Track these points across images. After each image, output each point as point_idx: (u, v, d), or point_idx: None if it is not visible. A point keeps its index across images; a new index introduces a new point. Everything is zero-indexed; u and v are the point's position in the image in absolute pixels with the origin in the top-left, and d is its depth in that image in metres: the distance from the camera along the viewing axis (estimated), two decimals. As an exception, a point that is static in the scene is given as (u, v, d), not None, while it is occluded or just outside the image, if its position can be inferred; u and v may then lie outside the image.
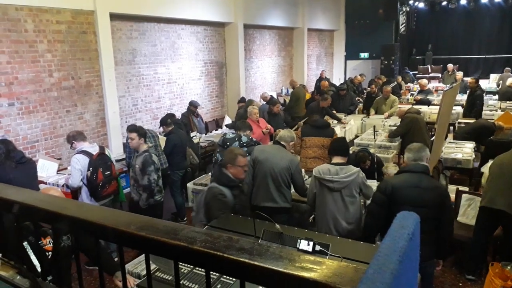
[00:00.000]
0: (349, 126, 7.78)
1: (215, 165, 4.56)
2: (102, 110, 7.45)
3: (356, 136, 7.45)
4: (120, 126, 7.64)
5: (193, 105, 8.16)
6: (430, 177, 3.23)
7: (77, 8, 6.80)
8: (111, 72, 7.41)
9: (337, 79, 16.69)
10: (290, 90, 11.11)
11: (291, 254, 0.92)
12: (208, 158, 7.17)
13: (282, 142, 4.19)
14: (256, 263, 0.87)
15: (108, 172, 4.65)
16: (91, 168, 4.39)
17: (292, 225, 3.52)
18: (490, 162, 4.42)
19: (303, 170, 4.78)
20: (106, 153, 4.69)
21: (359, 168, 3.73)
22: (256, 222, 3.13)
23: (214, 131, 8.78)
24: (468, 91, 9.78)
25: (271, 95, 10.06)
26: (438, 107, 6.54)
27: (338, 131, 7.36)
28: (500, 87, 11.95)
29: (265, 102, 9.28)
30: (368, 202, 3.64)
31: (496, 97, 10.74)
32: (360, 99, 10.92)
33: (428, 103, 9.66)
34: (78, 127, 6.78)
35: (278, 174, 3.93)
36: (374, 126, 6.93)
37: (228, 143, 4.43)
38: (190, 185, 6.17)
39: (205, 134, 8.28)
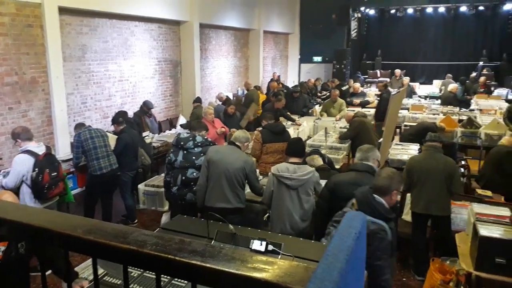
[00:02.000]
0: (302, 128, 7.94)
1: (169, 165, 4.48)
2: (49, 107, 7.09)
3: (309, 137, 7.62)
4: (67, 125, 7.31)
5: (146, 106, 7.95)
6: (372, 176, 3.31)
7: (23, 0, 6.42)
8: (59, 68, 7.07)
9: (292, 82, 16.96)
10: (246, 92, 11.17)
11: (243, 255, 0.92)
12: (161, 158, 7.03)
13: (237, 143, 4.20)
14: (208, 265, 0.87)
15: (55, 173, 4.45)
16: (36, 169, 4.17)
17: (246, 226, 3.54)
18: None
19: (257, 171, 4.82)
20: (53, 153, 4.48)
21: (314, 168, 3.87)
22: (209, 223, 3.11)
23: (167, 131, 8.62)
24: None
25: (227, 96, 10.07)
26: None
27: (292, 132, 7.50)
28: (442, 92, 12.65)
29: (221, 103, 9.27)
30: None
31: (439, 101, 11.36)
32: (313, 102, 11.19)
33: (367, 103, 10.44)
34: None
35: (232, 174, 3.94)
36: (325, 128, 7.12)
37: (182, 143, 4.37)
38: (141, 186, 6.03)
39: (158, 134, 8.12)
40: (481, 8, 16.29)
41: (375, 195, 2.71)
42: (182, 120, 9.34)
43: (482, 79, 13.29)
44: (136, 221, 5.73)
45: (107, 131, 5.85)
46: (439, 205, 4.18)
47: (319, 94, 13.36)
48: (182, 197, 4.35)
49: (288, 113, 8.51)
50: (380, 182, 2.76)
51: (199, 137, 4.44)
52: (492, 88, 13.77)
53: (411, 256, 4.52)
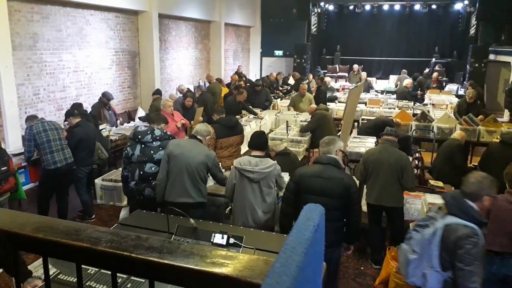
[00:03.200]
0: (264, 121, 7.98)
1: (126, 159, 4.35)
2: (-3, 99, 6.70)
3: (271, 131, 7.67)
4: (18, 117, 6.95)
5: (106, 97, 7.66)
6: (335, 168, 3.35)
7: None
8: (8, 58, 6.68)
9: (254, 75, 16.97)
10: (208, 84, 11.06)
11: (202, 250, 0.91)
12: (119, 152, 6.83)
13: (199, 137, 4.14)
14: (165, 261, 0.85)
15: (5, 168, 4.23)
16: (-18, 164, 3.94)
17: (208, 219, 3.52)
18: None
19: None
20: (3, 146, 4.25)
21: (275, 161, 3.90)
22: (170, 218, 3.07)
23: (126, 124, 8.38)
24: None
25: (188, 88, 9.92)
26: (344, 104, 6.98)
27: (254, 125, 7.53)
28: (397, 87, 13.10)
29: (181, 95, 9.13)
30: (282, 193, 3.80)
31: (395, 96, 11.74)
32: (275, 96, 11.28)
33: (335, 98, 11.19)
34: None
35: (194, 169, 3.88)
36: (287, 121, 7.20)
37: (139, 136, 4.24)
38: (98, 181, 5.84)
39: (116, 127, 7.87)
40: (433, 6, 16.97)
41: (467, 200, 2.55)
42: (141, 112, 9.12)
43: (434, 75, 13.88)
44: (93, 216, 5.55)
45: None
46: (390, 197, 4.28)
47: (280, 88, 13.47)
48: (140, 192, 4.24)
49: (250, 106, 8.52)
50: (469, 187, 2.61)
51: (157, 131, 4.33)
52: (444, 84, 14.44)
53: (368, 245, 4.67)
